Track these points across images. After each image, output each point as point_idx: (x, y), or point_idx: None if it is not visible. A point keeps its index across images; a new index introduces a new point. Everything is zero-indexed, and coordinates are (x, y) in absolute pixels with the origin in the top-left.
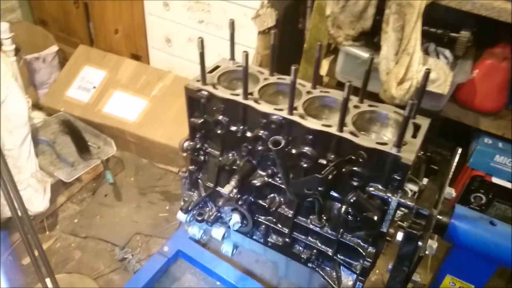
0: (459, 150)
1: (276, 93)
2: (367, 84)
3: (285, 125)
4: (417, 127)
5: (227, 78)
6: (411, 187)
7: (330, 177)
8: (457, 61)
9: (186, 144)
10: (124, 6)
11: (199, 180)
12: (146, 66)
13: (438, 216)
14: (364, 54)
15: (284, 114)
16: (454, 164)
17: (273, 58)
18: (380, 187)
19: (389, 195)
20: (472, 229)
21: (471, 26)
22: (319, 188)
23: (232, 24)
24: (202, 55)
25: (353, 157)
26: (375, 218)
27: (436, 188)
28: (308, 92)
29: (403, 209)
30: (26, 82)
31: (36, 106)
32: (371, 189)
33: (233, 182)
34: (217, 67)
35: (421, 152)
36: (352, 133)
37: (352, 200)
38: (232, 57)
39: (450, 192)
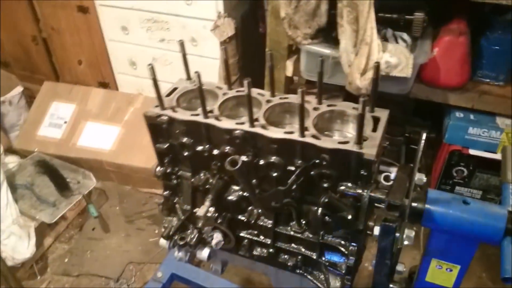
0: (424, 135)
1: (237, 106)
2: (322, 85)
3: (248, 138)
4: (376, 120)
5: (186, 98)
6: (394, 171)
7: (294, 187)
8: (416, 43)
9: (157, 170)
10: (83, 36)
11: (176, 204)
12: (115, 93)
13: (412, 204)
14: (325, 51)
15: (246, 127)
16: (420, 150)
17: (228, 72)
18: (350, 185)
19: (359, 191)
20: (447, 211)
21: (424, 7)
22: (285, 200)
23: (182, 45)
24: (155, 81)
25: (316, 161)
26: (349, 217)
27: (405, 177)
28: (268, 101)
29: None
30: None
31: (9, 150)
32: (342, 188)
33: (207, 203)
34: (175, 89)
35: (386, 143)
36: (314, 136)
37: (324, 202)
38: (188, 77)
39: (420, 178)
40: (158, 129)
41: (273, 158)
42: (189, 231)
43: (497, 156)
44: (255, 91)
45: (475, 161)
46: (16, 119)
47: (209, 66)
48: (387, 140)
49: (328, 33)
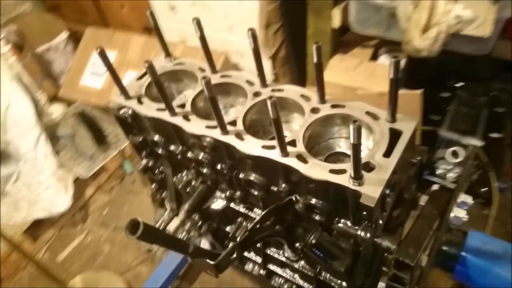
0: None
1: (220, 94)
2: (323, 76)
3: (221, 148)
4: (396, 135)
5: (167, 79)
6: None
7: (257, 226)
8: None
9: (138, 164)
10: None
11: (165, 200)
12: (155, 41)
13: (443, 248)
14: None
15: (217, 134)
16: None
17: (208, 52)
18: (349, 224)
19: (361, 234)
20: (490, 266)
21: None
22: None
23: (151, 15)
24: (110, 68)
25: (303, 189)
26: (341, 268)
27: (434, 216)
28: (256, 94)
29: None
30: (39, 77)
31: (57, 98)
32: (340, 225)
33: (181, 215)
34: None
35: (417, 158)
36: (299, 156)
37: (311, 244)
38: (167, 53)
39: (459, 216)
40: (125, 122)
41: (253, 176)
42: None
43: None
44: (243, 77)
45: None
46: (64, 66)
47: (250, 13)
48: (462, 101)
49: None
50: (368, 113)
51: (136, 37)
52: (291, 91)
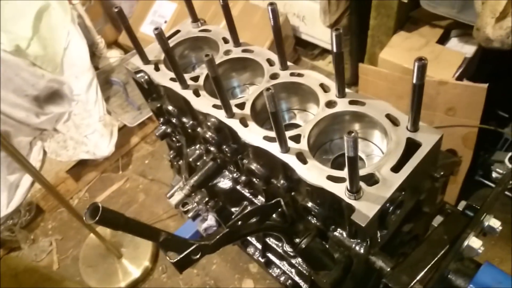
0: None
1: (241, 69)
2: (343, 67)
3: (225, 130)
4: (414, 147)
5: (187, 47)
6: None
7: (238, 223)
8: None
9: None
10: None
11: (181, 167)
12: None
13: (450, 277)
14: None
15: (221, 116)
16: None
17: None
18: (345, 235)
19: (356, 248)
20: None
21: None
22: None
23: None
24: (127, 26)
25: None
26: (327, 282)
27: (444, 241)
28: (273, 76)
29: None
30: (100, 21)
31: (116, 43)
32: (336, 234)
33: (185, 190)
34: (176, 32)
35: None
36: (299, 155)
37: (301, 249)
38: (194, 18)
39: (474, 247)
40: (142, 86)
41: (254, 165)
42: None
43: None
44: (265, 55)
45: None
46: (129, 11)
47: None
48: None
49: None
50: (388, 116)
51: None
52: (311, 77)
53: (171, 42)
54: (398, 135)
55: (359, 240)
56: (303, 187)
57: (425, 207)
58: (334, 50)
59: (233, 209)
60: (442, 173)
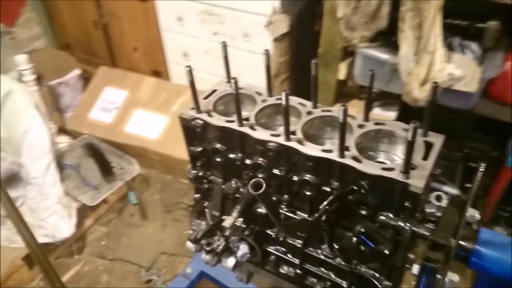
0: (483, 167)
1: (276, 113)
2: (371, 100)
3: (283, 152)
4: (429, 146)
5: (224, 101)
6: (448, 190)
7: (323, 218)
8: (486, 54)
9: (190, 172)
10: (141, 24)
11: (205, 209)
12: (165, 83)
13: (460, 242)
14: (382, 56)
15: (281, 140)
16: (477, 183)
17: (269, 78)
18: (391, 216)
19: (401, 224)
20: (500, 256)
21: (500, 14)
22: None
23: (224, 47)
24: (192, 83)
25: (354, 187)
26: (386, 251)
27: (455, 212)
28: (309, 113)
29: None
30: (50, 108)
31: (62, 130)
32: (382, 218)
33: (234, 214)
34: (214, 91)
35: (438, 171)
36: (354, 158)
37: (360, 232)
38: (229, 79)
39: (473, 215)
40: (192, 132)
41: (308, 176)
42: (216, 237)
43: None
44: (296, 101)
45: None
46: (71, 101)
47: (261, 62)
48: (442, 155)
49: (387, 38)
50: (404, 129)
51: (148, 78)
52: (337, 111)
53: (215, 96)
54: (417, 140)
55: (403, 217)
56: (356, 183)
57: None
58: (368, 84)
59: (269, 231)
60: (439, 170)
